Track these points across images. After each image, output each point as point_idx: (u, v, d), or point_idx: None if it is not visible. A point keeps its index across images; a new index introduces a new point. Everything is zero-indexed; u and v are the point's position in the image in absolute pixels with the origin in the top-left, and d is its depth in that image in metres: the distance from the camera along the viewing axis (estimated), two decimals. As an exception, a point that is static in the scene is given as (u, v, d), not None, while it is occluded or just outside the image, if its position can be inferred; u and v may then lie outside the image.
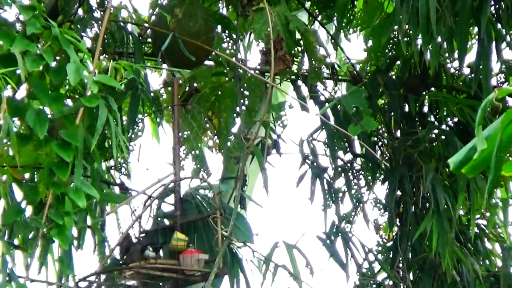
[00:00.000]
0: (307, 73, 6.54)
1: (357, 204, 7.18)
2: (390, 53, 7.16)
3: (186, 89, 6.80)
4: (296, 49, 6.32)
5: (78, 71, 4.33)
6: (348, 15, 7.19)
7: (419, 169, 6.79)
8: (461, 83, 6.98)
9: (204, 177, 6.64)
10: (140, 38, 6.52)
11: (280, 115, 6.42)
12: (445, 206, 6.60)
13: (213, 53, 6.54)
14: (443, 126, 7.05)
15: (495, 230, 7.21)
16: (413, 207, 6.96)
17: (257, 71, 6.50)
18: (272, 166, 6.50)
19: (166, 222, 6.27)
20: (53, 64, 4.50)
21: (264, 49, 6.24)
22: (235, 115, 6.71)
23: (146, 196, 6.02)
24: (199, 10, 6.38)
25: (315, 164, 7.02)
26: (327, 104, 6.71)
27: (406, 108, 7.11)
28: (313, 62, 6.33)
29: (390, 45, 7.17)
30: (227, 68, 6.77)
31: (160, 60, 6.00)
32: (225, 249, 5.85)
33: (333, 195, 7.04)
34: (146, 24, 6.67)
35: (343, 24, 7.21)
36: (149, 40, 6.83)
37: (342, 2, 7.12)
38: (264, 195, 6.17)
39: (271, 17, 5.90)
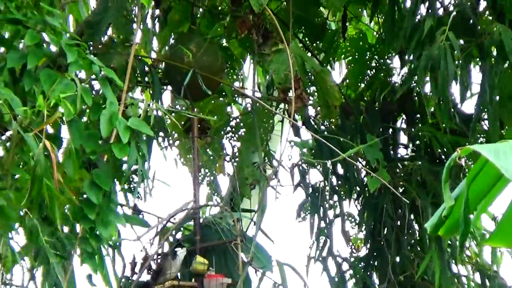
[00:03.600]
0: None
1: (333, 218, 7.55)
2: (367, 79, 7.67)
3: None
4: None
5: (110, 121, 4.70)
6: (334, 45, 7.73)
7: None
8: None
9: (220, 203, 7.05)
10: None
11: (303, 152, 6.75)
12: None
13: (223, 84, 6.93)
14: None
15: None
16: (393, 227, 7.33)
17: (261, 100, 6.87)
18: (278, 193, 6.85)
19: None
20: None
21: (283, 88, 6.62)
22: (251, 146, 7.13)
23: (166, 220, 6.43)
24: (211, 44, 6.77)
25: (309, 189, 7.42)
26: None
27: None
28: (328, 100, 6.71)
29: (370, 72, 7.69)
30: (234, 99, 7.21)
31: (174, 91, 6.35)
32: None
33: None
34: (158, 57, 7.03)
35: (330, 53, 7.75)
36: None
37: (331, 34, 7.73)
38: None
39: (288, 57, 6.32)
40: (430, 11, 6.61)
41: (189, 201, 6.50)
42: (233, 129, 7.28)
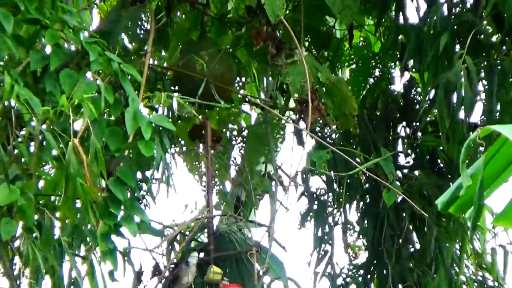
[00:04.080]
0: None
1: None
2: (369, 87, 7.71)
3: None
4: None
5: (135, 118, 4.63)
6: (339, 53, 7.76)
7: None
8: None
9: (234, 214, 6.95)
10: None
11: (319, 163, 6.68)
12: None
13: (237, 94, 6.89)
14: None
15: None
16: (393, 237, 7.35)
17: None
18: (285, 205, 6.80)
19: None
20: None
21: (299, 99, 6.54)
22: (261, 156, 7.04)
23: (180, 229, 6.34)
24: (223, 53, 6.73)
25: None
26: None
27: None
28: (345, 110, 6.62)
29: (372, 80, 7.75)
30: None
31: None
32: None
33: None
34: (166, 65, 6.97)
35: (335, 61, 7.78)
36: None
37: (336, 42, 7.74)
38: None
39: (305, 69, 6.24)
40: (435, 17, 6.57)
41: (202, 210, 6.40)
42: (244, 139, 7.21)
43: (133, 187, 4.76)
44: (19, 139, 4.94)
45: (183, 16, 7.23)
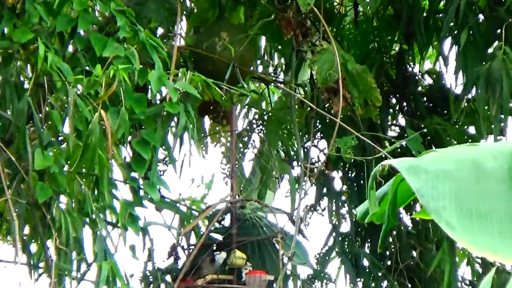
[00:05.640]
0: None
1: None
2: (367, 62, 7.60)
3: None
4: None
5: (160, 79, 4.75)
6: (341, 29, 7.72)
7: None
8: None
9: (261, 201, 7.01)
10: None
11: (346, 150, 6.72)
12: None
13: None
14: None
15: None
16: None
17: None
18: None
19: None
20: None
21: (326, 87, 6.59)
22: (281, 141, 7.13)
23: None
24: (243, 35, 6.74)
25: None
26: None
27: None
28: (368, 100, 6.68)
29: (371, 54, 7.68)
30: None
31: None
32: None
33: None
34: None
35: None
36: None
37: (339, 18, 7.68)
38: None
39: (334, 57, 6.33)
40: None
41: (227, 194, 6.47)
42: (264, 122, 7.26)
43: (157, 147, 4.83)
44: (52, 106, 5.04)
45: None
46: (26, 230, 5.38)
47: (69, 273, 5.04)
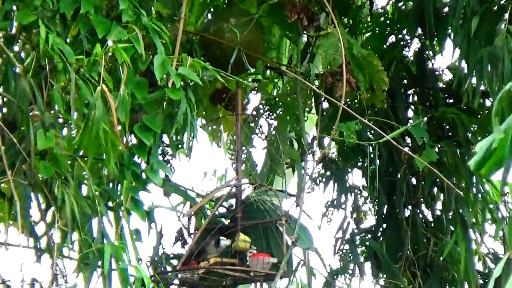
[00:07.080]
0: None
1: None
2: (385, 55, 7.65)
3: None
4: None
5: (163, 64, 4.73)
6: (357, 21, 7.70)
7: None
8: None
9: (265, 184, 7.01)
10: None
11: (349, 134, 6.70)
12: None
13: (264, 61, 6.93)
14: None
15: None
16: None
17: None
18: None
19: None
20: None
21: (330, 72, 6.55)
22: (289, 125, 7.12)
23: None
24: (251, 21, 6.68)
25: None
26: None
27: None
28: (375, 84, 6.63)
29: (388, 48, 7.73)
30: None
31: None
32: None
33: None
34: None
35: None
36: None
37: (355, 10, 7.63)
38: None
39: (339, 42, 6.28)
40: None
41: (232, 178, 6.46)
42: (271, 107, 7.24)
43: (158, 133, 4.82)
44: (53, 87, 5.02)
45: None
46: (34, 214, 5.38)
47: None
